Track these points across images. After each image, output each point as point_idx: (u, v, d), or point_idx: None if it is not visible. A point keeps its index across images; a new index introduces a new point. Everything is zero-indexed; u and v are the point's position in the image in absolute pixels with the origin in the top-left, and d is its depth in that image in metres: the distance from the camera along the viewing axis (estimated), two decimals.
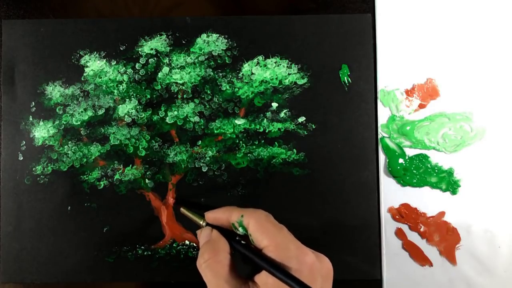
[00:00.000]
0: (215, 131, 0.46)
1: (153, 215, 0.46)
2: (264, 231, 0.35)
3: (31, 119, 0.47)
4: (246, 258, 0.36)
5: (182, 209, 0.44)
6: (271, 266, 0.33)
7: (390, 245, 0.46)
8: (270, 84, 0.47)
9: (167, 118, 0.46)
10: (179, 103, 0.47)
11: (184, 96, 0.47)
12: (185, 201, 0.46)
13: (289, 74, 0.47)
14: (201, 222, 0.41)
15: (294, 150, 0.46)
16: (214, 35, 0.47)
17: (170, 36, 0.47)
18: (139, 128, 0.47)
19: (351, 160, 0.46)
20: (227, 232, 0.38)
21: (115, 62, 0.47)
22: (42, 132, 0.46)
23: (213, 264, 0.35)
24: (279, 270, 0.33)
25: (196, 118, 0.47)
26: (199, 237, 0.40)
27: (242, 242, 0.37)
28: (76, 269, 0.46)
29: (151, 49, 0.47)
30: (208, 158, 0.46)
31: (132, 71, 0.47)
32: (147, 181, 0.46)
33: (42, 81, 0.47)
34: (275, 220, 0.37)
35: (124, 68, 0.47)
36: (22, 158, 0.46)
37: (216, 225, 0.39)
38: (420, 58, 0.47)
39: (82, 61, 0.47)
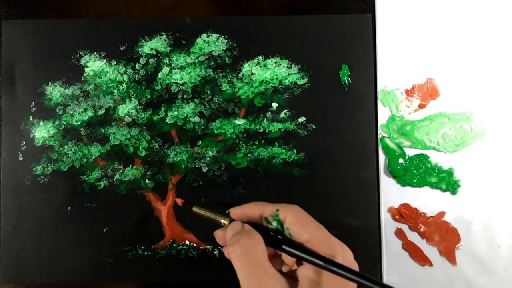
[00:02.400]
0: (215, 131, 0.46)
1: (153, 215, 0.46)
2: (304, 224, 0.34)
3: (31, 119, 0.47)
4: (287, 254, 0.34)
5: (194, 209, 0.40)
6: (320, 258, 0.31)
7: (390, 245, 0.46)
8: (270, 84, 0.47)
9: (167, 118, 0.46)
10: (179, 103, 0.47)
11: (184, 96, 0.47)
12: (189, 202, 0.43)
13: (289, 74, 0.47)
14: (221, 220, 0.37)
15: (294, 150, 0.46)
16: (214, 35, 0.47)
17: (170, 36, 0.47)
18: (139, 128, 0.47)
19: (351, 160, 0.46)
20: (260, 228, 0.35)
21: (115, 62, 0.47)
22: (42, 132, 0.46)
23: (251, 252, 0.32)
24: (329, 262, 0.31)
25: (196, 118, 0.47)
26: (220, 237, 0.36)
27: (279, 237, 0.34)
28: (76, 269, 0.46)
29: (151, 49, 0.47)
30: (208, 158, 0.46)
31: (132, 71, 0.47)
32: (147, 181, 0.46)
33: (42, 81, 0.47)
34: (311, 217, 0.35)
35: (124, 68, 0.47)
36: (22, 158, 0.46)
37: (245, 220, 0.36)
38: (420, 58, 0.47)
39: (82, 61, 0.47)
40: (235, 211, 0.37)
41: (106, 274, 0.46)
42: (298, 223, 0.34)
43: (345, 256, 0.33)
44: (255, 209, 0.36)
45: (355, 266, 0.33)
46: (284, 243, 0.34)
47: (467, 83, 0.47)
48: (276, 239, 0.34)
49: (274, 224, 0.35)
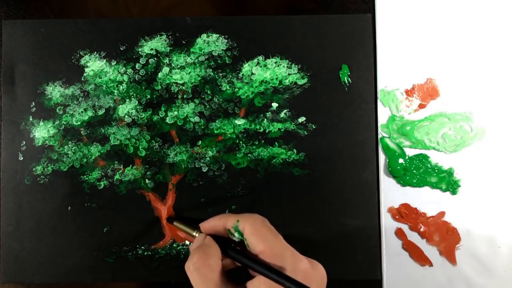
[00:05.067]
0: (215, 131, 0.46)
1: (153, 215, 0.46)
2: (260, 235, 0.35)
3: (31, 119, 0.47)
4: (240, 266, 0.36)
5: (175, 223, 0.44)
6: (267, 269, 0.33)
7: (390, 245, 0.46)
8: (270, 84, 0.47)
9: (167, 118, 0.46)
10: (179, 103, 0.47)
11: (184, 96, 0.47)
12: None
13: (289, 74, 0.47)
14: (194, 234, 0.40)
15: (294, 150, 0.46)
16: (214, 35, 0.47)
17: (170, 36, 0.47)
18: (139, 128, 0.47)
19: (351, 160, 0.46)
20: (222, 240, 0.38)
21: (115, 62, 0.47)
22: (42, 132, 0.46)
23: (202, 268, 0.34)
24: (275, 272, 0.33)
25: (196, 118, 0.47)
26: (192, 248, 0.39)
27: (237, 248, 0.37)
28: (76, 269, 0.46)
29: (151, 49, 0.47)
30: (208, 158, 0.46)
31: (132, 71, 0.47)
32: (147, 181, 0.46)
33: (42, 81, 0.47)
34: (271, 226, 0.36)
35: (124, 68, 0.47)
36: (22, 158, 0.46)
37: (212, 234, 0.39)
38: (420, 58, 0.47)
39: (82, 61, 0.47)
40: (203, 225, 0.39)
41: (106, 274, 0.46)
42: (254, 233, 0.35)
43: (297, 266, 0.34)
44: (219, 222, 0.38)
45: (310, 276, 0.34)
46: (236, 254, 0.36)
47: (467, 83, 0.47)
48: (234, 251, 0.36)
49: (236, 235, 0.37)
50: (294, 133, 0.46)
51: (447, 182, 0.46)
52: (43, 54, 0.47)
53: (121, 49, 0.47)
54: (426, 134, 0.46)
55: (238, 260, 0.36)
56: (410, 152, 0.46)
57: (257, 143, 0.46)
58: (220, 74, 0.47)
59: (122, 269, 0.46)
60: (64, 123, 0.47)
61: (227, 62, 0.47)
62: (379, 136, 0.47)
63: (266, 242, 0.35)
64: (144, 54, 0.47)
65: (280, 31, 0.47)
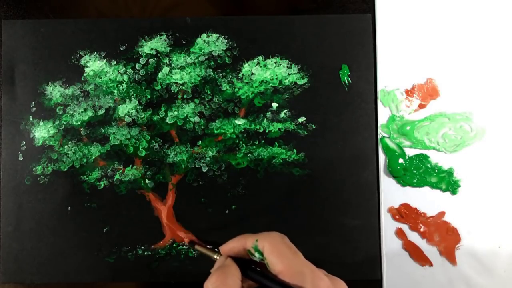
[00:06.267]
0: (215, 131, 0.46)
1: (153, 215, 0.46)
2: (279, 254, 0.35)
3: (31, 119, 0.47)
4: (262, 286, 0.36)
5: (197, 247, 0.44)
6: None
7: (390, 245, 0.46)
8: (270, 84, 0.47)
9: (167, 118, 0.46)
10: (179, 103, 0.47)
11: (184, 96, 0.47)
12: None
13: (289, 74, 0.47)
14: (215, 256, 0.40)
15: (294, 150, 0.46)
16: (214, 35, 0.47)
17: (170, 36, 0.47)
18: (139, 128, 0.47)
19: (351, 160, 0.46)
20: (243, 261, 0.37)
21: (115, 62, 0.47)
22: (42, 132, 0.46)
23: (221, 287, 0.34)
24: None
25: (196, 118, 0.47)
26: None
27: (257, 269, 0.36)
28: (76, 269, 0.46)
29: (151, 49, 0.47)
30: (208, 158, 0.46)
31: (132, 71, 0.47)
32: (147, 181, 0.46)
33: (42, 81, 0.47)
34: (290, 243, 0.36)
35: (124, 68, 0.47)
36: (22, 158, 0.46)
37: (233, 256, 0.38)
38: (420, 58, 0.47)
39: (82, 61, 0.47)
40: (223, 248, 0.39)
41: (106, 274, 0.46)
42: (273, 252, 0.35)
43: (318, 284, 0.33)
44: (238, 243, 0.38)
45: None
46: (255, 275, 0.36)
47: (467, 83, 0.47)
48: (254, 272, 0.36)
49: (257, 255, 0.36)
50: (294, 133, 0.46)
51: (447, 182, 0.46)
52: (43, 54, 0.47)
53: (121, 49, 0.47)
54: (426, 134, 0.46)
55: (258, 281, 0.36)
56: (410, 152, 0.46)
57: (257, 143, 0.46)
58: (220, 74, 0.47)
59: (122, 269, 0.46)
60: (64, 123, 0.47)
61: (227, 62, 0.47)
62: (379, 136, 0.47)
63: (285, 260, 0.34)
64: (144, 54, 0.47)
65: (280, 31, 0.47)
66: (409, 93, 0.47)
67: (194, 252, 0.46)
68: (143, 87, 0.47)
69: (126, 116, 0.47)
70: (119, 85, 0.47)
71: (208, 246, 0.44)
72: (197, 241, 0.46)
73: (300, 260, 0.35)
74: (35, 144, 0.46)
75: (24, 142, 0.46)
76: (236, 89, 0.47)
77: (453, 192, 0.46)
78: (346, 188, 0.46)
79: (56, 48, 0.47)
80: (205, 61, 0.47)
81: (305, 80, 0.47)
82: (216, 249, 0.41)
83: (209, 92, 0.47)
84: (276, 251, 0.35)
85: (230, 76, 0.47)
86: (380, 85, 0.47)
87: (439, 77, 0.47)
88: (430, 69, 0.47)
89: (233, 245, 0.38)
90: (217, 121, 0.47)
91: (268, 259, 0.35)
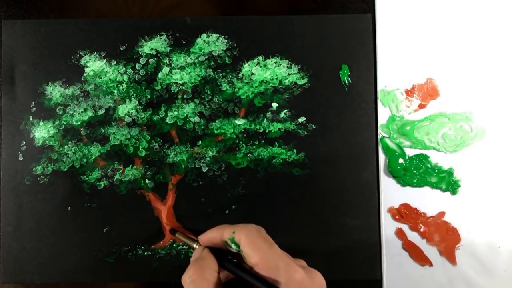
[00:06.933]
0: (215, 131, 0.46)
1: (153, 215, 0.46)
2: (255, 246, 0.35)
3: (31, 119, 0.47)
4: (238, 278, 0.36)
5: (177, 235, 0.44)
6: (261, 282, 0.34)
7: (390, 245, 0.46)
8: (270, 84, 0.47)
9: (167, 118, 0.46)
10: (179, 103, 0.47)
11: (184, 96, 0.47)
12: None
13: (289, 74, 0.47)
14: (194, 245, 0.40)
15: (294, 150, 0.46)
16: (214, 35, 0.47)
17: (170, 36, 0.47)
18: (139, 128, 0.47)
19: (351, 160, 0.46)
20: (220, 252, 0.38)
21: (115, 62, 0.47)
22: (42, 132, 0.46)
23: (198, 280, 0.34)
24: (268, 285, 0.33)
25: (196, 118, 0.47)
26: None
27: (234, 260, 0.37)
28: (76, 269, 0.46)
29: (151, 49, 0.47)
30: (208, 158, 0.46)
31: (132, 71, 0.47)
32: (147, 181, 0.46)
33: (42, 81, 0.47)
34: (267, 235, 0.36)
35: (124, 68, 0.47)
36: (22, 158, 0.46)
37: (211, 246, 0.39)
38: (420, 58, 0.47)
39: (82, 61, 0.47)
40: (202, 237, 0.39)
41: (106, 274, 0.46)
42: (249, 244, 0.35)
43: (292, 277, 0.34)
44: (216, 234, 0.38)
45: (306, 286, 0.34)
46: (231, 267, 0.36)
47: (467, 83, 0.47)
48: (230, 264, 0.37)
49: (233, 247, 0.36)
50: (294, 133, 0.46)
51: (447, 182, 0.46)
52: (43, 54, 0.47)
53: (121, 49, 0.47)
54: (426, 134, 0.46)
55: (234, 273, 0.36)
56: (410, 152, 0.46)
57: (257, 143, 0.46)
58: (220, 74, 0.47)
59: (122, 269, 0.46)
60: (64, 123, 0.47)
61: (227, 62, 0.47)
62: (379, 136, 0.47)
63: (260, 253, 0.35)
64: (144, 54, 0.47)
65: (280, 31, 0.47)
66: (409, 93, 0.47)
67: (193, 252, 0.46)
68: (143, 87, 0.47)
69: (126, 116, 0.47)
70: (119, 85, 0.47)
71: (190, 236, 0.44)
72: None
73: (275, 252, 0.35)
74: (35, 144, 0.46)
75: (24, 142, 0.46)
76: (236, 89, 0.47)
77: (453, 192, 0.46)
78: (346, 188, 0.46)
79: (56, 48, 0.47)
80: (205, 61, 0.47)
81: (305, 80, 0.47)
82: (195, 238, 0.41)
83: (209, 92, 0.47)
84: (252, 243, 0.35)
85: (230, 76, 0.47)
86: (380, 85, 0.47)
87: (439, 77, 0.47)
88: (430, 69, 0.47)
89: (211, 236, 0.38)
90: (217, 121, 0.47)
91: (244, 252, 0.35)
